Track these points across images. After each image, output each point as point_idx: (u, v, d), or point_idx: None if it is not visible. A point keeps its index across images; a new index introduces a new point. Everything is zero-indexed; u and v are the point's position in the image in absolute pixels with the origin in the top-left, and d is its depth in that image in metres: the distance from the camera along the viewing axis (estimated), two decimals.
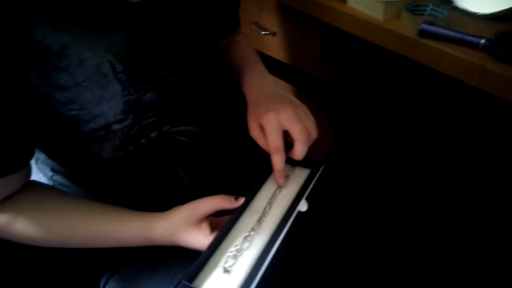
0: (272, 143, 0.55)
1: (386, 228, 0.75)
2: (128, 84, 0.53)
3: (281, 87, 0.64)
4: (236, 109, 0.70)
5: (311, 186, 0.57)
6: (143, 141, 0.59)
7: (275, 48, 1.17)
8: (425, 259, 1.13)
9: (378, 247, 0.72)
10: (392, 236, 0.76)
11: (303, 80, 0.92)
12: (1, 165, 0.50)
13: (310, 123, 0.57)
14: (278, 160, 0.55)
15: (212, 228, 0.54)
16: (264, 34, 1.15)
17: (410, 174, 1.24)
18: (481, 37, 0.68)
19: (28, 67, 0.48)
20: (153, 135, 0.60)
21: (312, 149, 0.58)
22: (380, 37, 0.81)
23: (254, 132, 0.58)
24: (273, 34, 1.14)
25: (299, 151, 0.55)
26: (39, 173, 0.71)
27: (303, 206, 0.54)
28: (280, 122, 0.55)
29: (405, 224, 1.26)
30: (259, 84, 0.66)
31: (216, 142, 0.69)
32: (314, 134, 0.57)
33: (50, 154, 0.64)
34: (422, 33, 0.74)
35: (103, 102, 0.52)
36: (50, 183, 0.69)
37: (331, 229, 0.68)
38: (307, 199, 0.55)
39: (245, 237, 0.51)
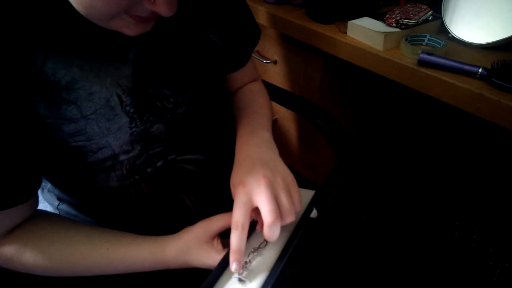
0: (233, 217, 0.49)
1: (389, 254, 0.75)
2: (135, 117, 0.54)
3: (270, 148, 0.61)
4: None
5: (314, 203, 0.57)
6: (149, 170, 0.59)
7: (277, 76, 1.19)
8: (431, 285, 1.12)
9: (382, 273, 0.72)
10: (395, 261, 0.76)
11: (303, 106, 0.94)
12: (9, 196, 0.50)
13: (290, 200, 0.50)
14: (234, 238, 0.47)
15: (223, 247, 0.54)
16: (266, 62, 1.18)
17: (413, 198, 1.24)
18: (479, 67, 0.71)
19: (38, 100, 0.49)
20: (159, 164, 0.60)
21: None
22: (380, 67, 0.83)
23: (232, 195, 0.54)
24: (275, 62, 1.17)
25: (266, 233, 0.48)
26: (44, 202, 0.71)
27: (313, 214, 0.53)
28: (249, 197, 0.50)
29: (409, 249, 1.25)
30: (247, 143, 0.62)
31: (222, 170, 0.70)
32: (289, 216, 0.50)
33: (56, 183, 0.65)
34: (421, 63, 0.76)
35: (110, 134, 0.53)
36: (56, 212, 0.70)
37: (334, 254, 0.68)
38: (316, 207, 0.54)
39: (258, 247, 0.51)
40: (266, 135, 0.63)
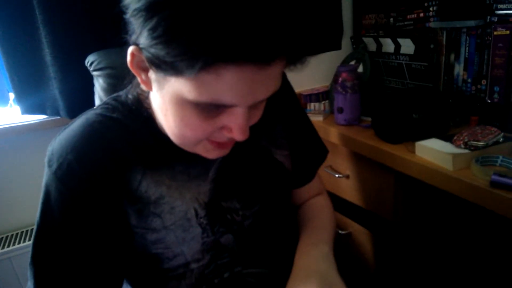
0: None
1: None
2: (207, 228, 0.61)
3: (328, 262, 0.63)
4: None
5: None
6: (216, 281, 0.64)
7: (349, 190, 1.23)
8: None
9: None
10: None
11: (375, 223, 0.94)
12: None
13: None
14: None
15: None
16: (338, 177, 1.23)
17: None
18: None
19: (130, 212, 0.57)
20: (225, 275, 0.64)
21: None
22: (450, 185, 0.84)
23: None
24: (347, 177, 1.22)
25: None
26: None
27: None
28: None
29: None
30: (306, 254, 0.65)
31: (283, 285, 0.71)
32: None
33: (133, 286, 0.71)
34: (494, 184, 0.75)
35: (184, 243, 0.60)
36: None
37: None
38: None
39: None
40: (325, 249, 0.65)
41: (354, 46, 1.43)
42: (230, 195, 0.64)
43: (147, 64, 0.47)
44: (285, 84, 0.74)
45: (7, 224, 1.17)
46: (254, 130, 0.62)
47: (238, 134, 0.49)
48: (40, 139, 1.15)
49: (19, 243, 1.11)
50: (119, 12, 0.46)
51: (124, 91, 0.63)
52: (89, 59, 0.88)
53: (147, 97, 0.59)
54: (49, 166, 0.55)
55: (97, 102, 0.88)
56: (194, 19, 0.39)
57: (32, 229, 1.18)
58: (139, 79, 0.52)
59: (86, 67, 0.90)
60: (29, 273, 0.55)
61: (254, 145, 0.67)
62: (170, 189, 0.58)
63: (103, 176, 0.55)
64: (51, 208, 0.54)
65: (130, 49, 0.49)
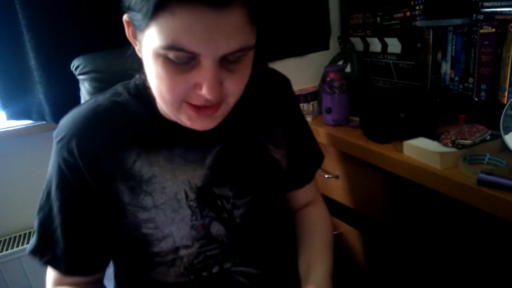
0: None
1: None
2: (196, 211, 0.63)
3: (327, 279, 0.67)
4: (295, 257, 0.73)
5: None
6: (204, 274, 0.65)
7: (339, 190, 1.23)
8: None
9: None
10: None
11: (365, 223, 0.94)
12: (80, 265, 0.62)
13: None
14: None
15: None
16: (328, 177, 1.23)
17: None
18: None
19: (123, 189, 0.60)
20: (214, 270, 0.66)
21: None
22: (438, 184, 0.84)
23: None
24: (336, 177, 1.22)
25: None
26: None
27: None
28: None
29: None
30: (309, 272, 0.68)
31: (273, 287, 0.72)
32: None
33: (119, 270, 0.73)
34: (481, 182, 0.76)
35: (173, 224, 0.62)
36: None
37: None
38: None
39: None
40: (324, 275, 0.68)
41: (342, 46, 1.43)
42: (223, 182, 0.65)
43: (135, 30, 0.53)
44: (287, 87, 0.76)
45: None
46: (250, 126, 0.68)
47: (206, 89, 0.50)
48: (26, 144, 1.14)
49: (28, 243, 1.11)
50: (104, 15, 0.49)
51: (133, 79, 0.66)
52: (75, 63, 0.87)
53: None
54: (55, 137, 0.61)
55: None
56: None
57: (15, 236, 1.17)
58: (136, 49, 0.57)
59: (71, 71, 0.89)
60: (35, 223, 0.64)
61: (251, 139, 0.68)
62: (163, 170, 0.61)
63: (97, 156, 0.60)
64: (52, 174, 0.62)
65: (124, 17, 0.54)
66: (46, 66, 1.02)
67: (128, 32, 0.56)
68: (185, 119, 0.56)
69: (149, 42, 0.50)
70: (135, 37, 0.55)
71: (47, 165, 0.63)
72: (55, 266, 0.63)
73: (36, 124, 1.11)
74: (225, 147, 0.65)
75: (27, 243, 1.13)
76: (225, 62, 0.51)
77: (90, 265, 0.64)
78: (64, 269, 0.63)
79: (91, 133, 0.60)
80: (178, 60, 0.49)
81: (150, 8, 0.46)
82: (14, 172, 1.14)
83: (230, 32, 0.47)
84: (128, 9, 0.51)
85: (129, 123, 0.62)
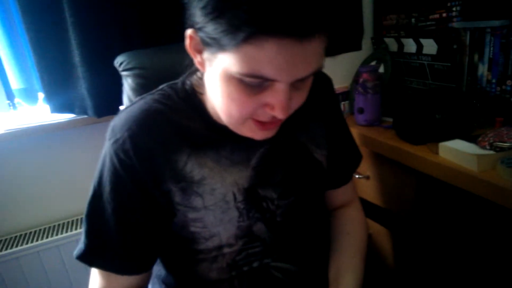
0: None
1: None
2: (243, 212, 0.64)
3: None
4: (329, 257, 0.75)
5: None
6: (245, 269, 0.67)
7: (370, 191, 1.23)
8: None
9: None
10: None
11: (396, 223, 0.94)
12: (130, 264, 0.63)
13: None
14: None
15: None
16: (358, 177, 1.23)
17: None
18: None
19: (175, 190, 0.62)
20: (255, 265, 0.67)
21: None
22: (475, 187, 0.83)
23: None
24: (367, 177, 1.22)
25: None
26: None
27: None
28: None
29: None
30: (338, 280, 0.70)
31: (308, 285, 0.73)
32: None
33: (166, 265, 0.74)
34: None
35: (221, 224, 0.64)
36: None
37: None
38: None
39: None
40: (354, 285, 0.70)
41: (375, 47, 1.43)
42: (268, 184, 0.67)
43: (201, 45, 0.53)
44: (329, 88, 0.77)
45: (36, 219, 1.22)
46: (292, 125, 0.67)
47: (279, 111, 0.52)
48: (68, 137, 1.19)
49: (47, 237, 1.15)
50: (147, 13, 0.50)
51: (180, 79, 0.67)
52: (119, 59, 0.91)
53: (200, 84, 0.64)
54: (109, 139, 0.62)
55: (125, 101, 0.90)
56: None
57: (59, 224, 1.22)
58: (195, 61, 0.57)
59: (113, 67, 0.92)
60: (83, 228, 0.64)
61: (293, 140, 0.70)
62: (212, 172, 0.63)
63: (151, 156, 0.61)
64: (104, 175, 0.62)
65: (188, 32, 0.54)
66: (89, 62, 1.06)
67: (189, 45, 0.56)
68: (247, 132, 0.58)
69: (223, 64, 0.50)
70: (199, 52, 0.55)
71: (88, 158, 0.64)
72: (107, 268, 0.64)
73: (78, 118, 1.16)
74: (269, 149, 0.66)
75: (47, 237, 1.15)
76: (295, 82, 0.51)
77: (141, 263, 0.65)
78: (116, 269, 0.63)
79: (145, 134, 0.61)
80: (253, 83, 0.50)
81: (238, 41, 0.46)
82: (56, 165, 1.20)
83: (310, 59, 0.49)
84: (200, 30, 0.51)
85: (179, 125, 0.63)
